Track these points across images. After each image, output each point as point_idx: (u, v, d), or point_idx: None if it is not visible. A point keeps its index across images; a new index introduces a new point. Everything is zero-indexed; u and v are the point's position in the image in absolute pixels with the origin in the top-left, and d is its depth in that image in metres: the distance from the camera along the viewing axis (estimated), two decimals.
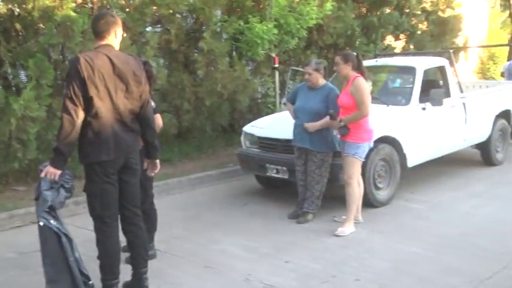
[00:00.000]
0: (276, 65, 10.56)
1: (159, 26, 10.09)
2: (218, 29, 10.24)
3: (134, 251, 4.48)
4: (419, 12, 14.13)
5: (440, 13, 14.55)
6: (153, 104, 4.73)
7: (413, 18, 13.95)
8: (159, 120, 5.23)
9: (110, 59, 4.09)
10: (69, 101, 3.97)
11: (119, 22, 4.28)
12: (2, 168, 7.55)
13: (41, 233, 4.08)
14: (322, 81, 6.45)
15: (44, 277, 4.16)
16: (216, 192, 8.13)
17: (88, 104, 4.01)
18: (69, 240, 4.13)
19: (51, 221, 4.04)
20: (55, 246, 4.09)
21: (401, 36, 14.16)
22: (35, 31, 8.01)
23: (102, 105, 4.05)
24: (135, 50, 8.52)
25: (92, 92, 3.99)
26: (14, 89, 8.20)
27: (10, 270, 5.22)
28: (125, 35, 4.55)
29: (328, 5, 10.61)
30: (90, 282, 4.21)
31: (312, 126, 6.27)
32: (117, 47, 4.28)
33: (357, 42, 12.55)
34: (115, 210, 4.29)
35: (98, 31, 4.23)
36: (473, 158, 9.32)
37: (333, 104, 6.19)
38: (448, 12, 14.67)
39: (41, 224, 4.05)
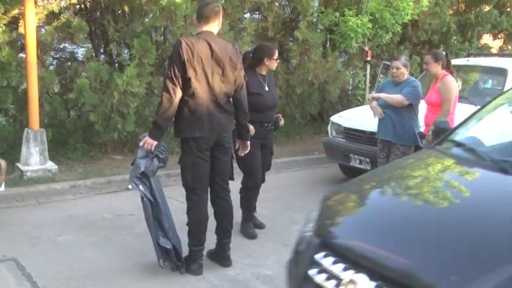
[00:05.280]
0: (368, 59, 10.68)
1: (257, 13, 10.43)
2: (314, 20, 10.48)
3: (220, 222, 4.84)
4: None
5: None
6: None
7: None
8: None
9: (210, 45, 4.46)
10: (169, 81, 4.38)
11: (221, 12, 4.66)
12: (102, 137, 8.14)
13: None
14: (407, 76, 6.53)
15: None
16: (301, 177, 8.40)
17: (186, 85, 4.41)
18: (153, 205, 4.54)
19: (140, 187, 4.48)
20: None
21: (500, 36, 13.89)
22: (140, 13, 8.52)
23: (199, 86, 4.43)
24: (233, 36, 8.91)
25: (191, 73, 4.38)
26: (116, 65, 8.79)
27: (107, 229, 5.73)
28: (226, 23, 4.89)
29: (425, 1, 10.56)
30: (169, 247, 4.57)
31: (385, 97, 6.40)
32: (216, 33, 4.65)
33: (452, 40, 12.46)
34: (205, 183, 4.66)
35: (204, 16, 4.60)
36: None
37: (411, 89, 6.30)
38: None
39: (130, 187, 4.60)
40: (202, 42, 4.44)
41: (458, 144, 3.98)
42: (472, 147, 3.83)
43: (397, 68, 6.43)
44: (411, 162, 4.05)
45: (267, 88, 5.48)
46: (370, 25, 9.90)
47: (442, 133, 4.36)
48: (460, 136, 4.18)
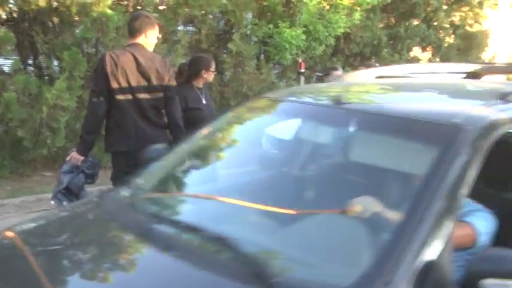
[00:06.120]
0: (302, 70, 10.73)
1: (191, 25, 10.35)
2: (248, 32, 10.48)
3: None
4: (447, 26, 14.24)
5: (468, 27, 14.66)
6: None
7: (440, 31, 14.08)
8: None
9: (135, 57, 4.39)
10: (94, 94, 4.35)
11: (154, 25, 4.57)
12: (32, 154, 7.87)
13: None
14: None
15: None
16: None
17: (111, 98, 4.34)
18: None
19: (64, 202, 4.35)
20: None
21: (428, 48, 14.30)
22: (71, 24, 8.31)
23: (123, 99, 4.38)
24: (166, 48, 8.80)
25: (115, 86, 4.33)
26: (46, 78, 8.53)
27: None
28: (159, 36, 4.80)
29: (357, 15, 10.77)
30: None
31: None
32: (149, 47, 4.55)
33: (383, 52, 12.72)
34: None
35: (131, 30, 4.55)
36: None
37: None
38: (476, 27, 14.77)
39: (52, 202, 4.44)
40: (128, 54, 4.38)
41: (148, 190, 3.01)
42: (152, 196, 2.95)
43: (340, 77, 6.45)
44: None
45: (204, 101, 5.39)
46: (303, 37, 9.98)
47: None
48: (150, 175, 3.11)
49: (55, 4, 7.92)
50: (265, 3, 10.29)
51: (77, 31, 8.31)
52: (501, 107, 2.63)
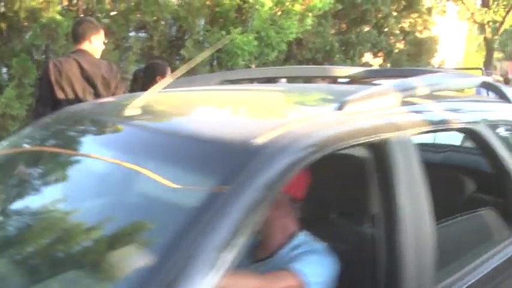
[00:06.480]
0: None
1: (143, 31, 10.28)
2: (200, 38, 10.44)
3: None
4: (397, 32, 14.48)
5: (417, 33, 14.93)
6: None
7: (391, 37, 14.30)
8: None
9: (79, 63, 4.35)
10: (39, 103, 4.31)
11: (99, 29, 4.52)
12: None
13: None
14: None
15: None
16: None
17: (57, 106, 4.27)
18: None
19: None
20: None
21: (379, 54, 14.51)
22: (20, 30, 8.17)
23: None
24: (118, 55, 8.72)
25: (60, 94, 4.29)
26: None
27: None
28: (106, 41, 4.77)
29: (309, 20, 10.85)
30: None
31: None
32: (95, 52, 4.51)
33: (335, 58, 12.86)
34: None
35: (74, 36, 4.51)
36: None
37: None
38: (426, 33, 15.06)
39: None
40: (72, 61, 4.34)
41: None
42: None
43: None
44: None
45: None
46: (256, 43, 10.01)
47: None
48: None
49: (2, 9, 7.79)
50: (217, 9, 10.29)
51: (26, 37, 8.18)
52: (333, 119, 2.11)
